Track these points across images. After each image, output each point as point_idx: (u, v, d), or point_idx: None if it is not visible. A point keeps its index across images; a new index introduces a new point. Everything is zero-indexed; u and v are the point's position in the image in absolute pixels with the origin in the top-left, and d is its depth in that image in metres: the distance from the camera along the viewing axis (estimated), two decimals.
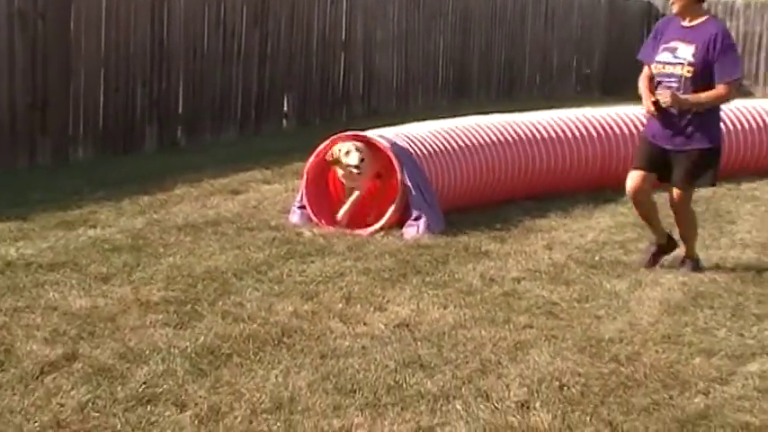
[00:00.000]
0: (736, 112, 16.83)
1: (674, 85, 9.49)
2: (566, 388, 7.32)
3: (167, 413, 6.61)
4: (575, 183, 13.95)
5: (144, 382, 7.06)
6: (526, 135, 13.60)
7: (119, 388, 6.95)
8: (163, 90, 16.40)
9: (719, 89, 9.49)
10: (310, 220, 11.70)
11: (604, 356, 7.97)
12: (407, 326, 8.49)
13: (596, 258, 10.85)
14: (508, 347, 8.11)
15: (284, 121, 18.84)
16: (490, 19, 25.49)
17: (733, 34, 31.40)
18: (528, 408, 6.95)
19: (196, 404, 6.76)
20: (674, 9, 9.75)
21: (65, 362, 7.36)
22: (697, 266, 10.39)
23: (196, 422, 6.49)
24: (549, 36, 28.22)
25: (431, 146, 12.23)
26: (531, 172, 13.38)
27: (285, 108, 18.91)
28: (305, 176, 11.92)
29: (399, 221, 11.53)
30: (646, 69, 10.09)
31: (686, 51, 9.37)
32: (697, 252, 10.59)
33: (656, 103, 9.81)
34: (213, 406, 6.74)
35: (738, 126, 16.21)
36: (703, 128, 9.73)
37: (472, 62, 24.82)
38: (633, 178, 10.21)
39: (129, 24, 15.71)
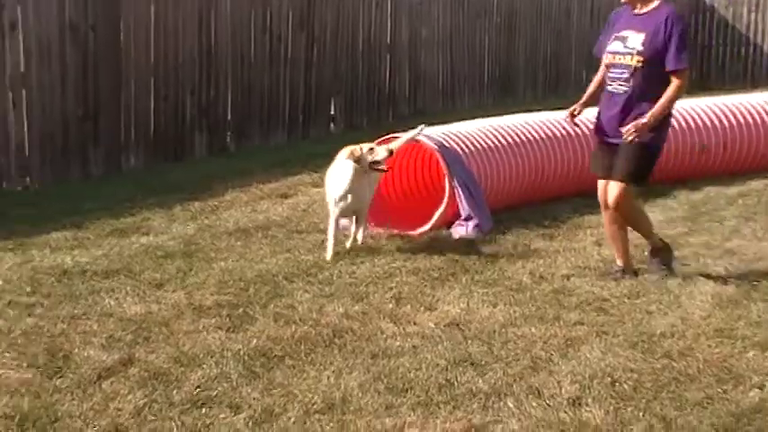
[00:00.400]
0: None
1: (625, 75, 8.87)
2: (617, 384, 7.32)
3: (222, 415, 6.67)
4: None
5: (198, 386, 7.13)
6: (574, 131, 13.57)
7: (174, 392, 7.02)
8: (211, 97, 16.45)
9: (673, 83, 8.80)
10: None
11: (656, 352, 7.96)
12: (458, 324, 8.50)
13: (646, 253, 10.81)
14: (559, 344, 8.12)
15: (332, 125, 18.89)
16: (535, 16, 25.32)
17: None
18: (580, 404, 6.97)
19: (250, 406, 6.82)
20: None
21: (121, 367, 7.44)
22: (668, 259, 10.11)
23: (250, 424, 6.55)
24: (596, 31, 27.97)
25: (479, 144, 12.21)
26: (579, 168, 13.31)
27: (332, 111, 18.96)
28: None
29: (448, 220, 11.54)
30: (602, 67, 9.51)
31: (636, 40, 8.74)
32: (664, 243, 10.25)
33: (573, 114, 9.65)
34: (267, 408, 6.80)
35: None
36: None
37: (518, 60, 24.65)
38: (599, 186, 9.67)
39: (178, 33, 15.78)
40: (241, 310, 8.79)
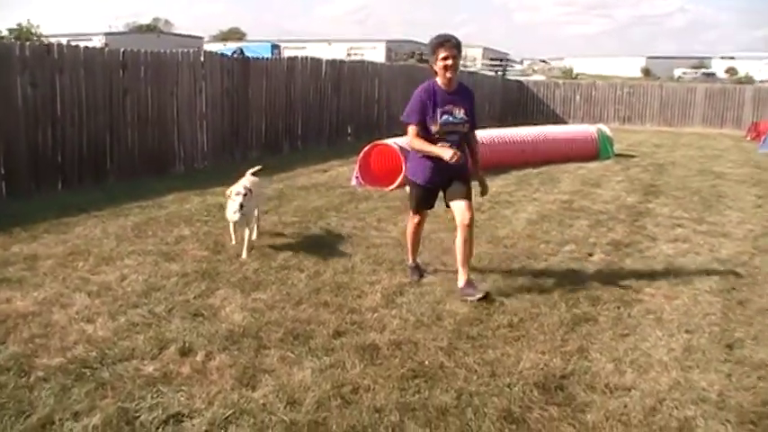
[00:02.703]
0: (567, 132, 16.77)
1: (457, 138, 6.20)
2: (481, 259, 7.37)
3: (295, 274, 6.69)
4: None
5: (284, 259, 7.15)
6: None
7: (272, 262, 7.04)
8: (291, 123, 16.30)
9: (477, 134, 6.57)
10: (361, 183, 11.66)
11: (500, 245, 8.01)
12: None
13: (497, 199, 10.82)
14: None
15: (348, 138, 18.70)
16: None
17: (558, 98, 31.91)
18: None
19: (308, 270, 6.84)
20: (449, 75, 6.05)
21: (249, 250, 7.45)
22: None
23: (307, 278, 6.58)
24: (478, 94, 27.95)
25: None
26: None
27: (349, 131, 18.84)
28: (358, 163, 11.91)
29: (403, 183, 11.47)
30: (414, 129, 6.34)
31: (460, 113, 6.08)
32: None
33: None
34: (316, 270, 6.82)
35: (562, 139, 16.15)
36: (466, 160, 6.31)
37: None
38: (416, 218, 6.74)
39: (276, 93, 15.62)
40: (304, 225, 8.77)
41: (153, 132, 12.40)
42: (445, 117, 6.11)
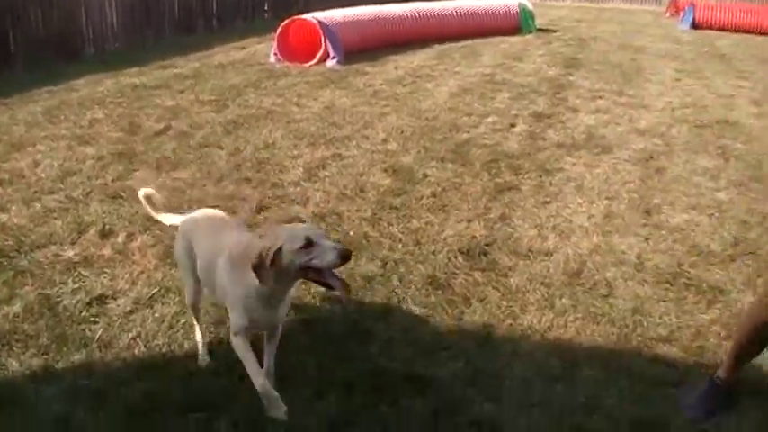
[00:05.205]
0: (487, 6, 16.52)
1: None
2: (403, 132, 7.38)
3: (214, 152, 6.61)
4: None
5: (202, 137, 7.02)
6: (387, 13, 13.25)
7: (190, 141, 6.88)
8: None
9: None
10: (279, 60, 11.33)
11: (422, 117, 7.96)
12: (329, 108, 8.35)
13: (419, 73, 10.68)
14: (377, 115, 8.05)
15: (265, 15, 18.13)
16: None
17: None
18: (386, 141, 7.02)
19: (228, 147, 6.77)
20: None
21: (164, 130, 7.25)
22: None
23: (227, 155, 6.50)
24: None
25: (339, 19, 11.83)
26: (390, 32, 12.98)
27: (266, 8, 18.21)
28: (276, 39, 11.52)
29: (323, 58, 11.23)
30: None
31: None
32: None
33: None
34: (236, 147, 6.74)
35: (483, 13, 15.94)
36: None
37: None
38: None
39: None
40: (222, 102, 8.51)
41: (58, 12, 11.70)
42: None
